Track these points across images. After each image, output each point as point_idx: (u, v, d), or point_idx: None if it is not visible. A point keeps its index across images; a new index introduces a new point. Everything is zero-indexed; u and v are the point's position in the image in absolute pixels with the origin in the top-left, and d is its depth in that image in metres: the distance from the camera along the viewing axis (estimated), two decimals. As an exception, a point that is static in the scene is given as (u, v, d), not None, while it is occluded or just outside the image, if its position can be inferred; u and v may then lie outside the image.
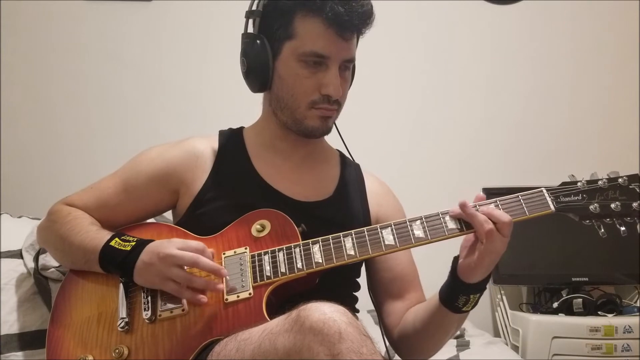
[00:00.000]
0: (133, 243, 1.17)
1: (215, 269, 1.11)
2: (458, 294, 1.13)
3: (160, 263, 1.11)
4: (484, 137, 2.53)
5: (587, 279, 2.21)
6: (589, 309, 2.12)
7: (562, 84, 2.55)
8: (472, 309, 1.16)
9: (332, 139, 1.41)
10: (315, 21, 1.19)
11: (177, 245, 1.12)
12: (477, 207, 1.12)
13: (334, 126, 1.33)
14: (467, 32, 2.54)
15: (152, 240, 1.18)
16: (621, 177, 1.13)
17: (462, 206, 1.10)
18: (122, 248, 1.17)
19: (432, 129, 2.53)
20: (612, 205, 1.11)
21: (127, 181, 1.31)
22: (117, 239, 1.19)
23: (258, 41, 1.23)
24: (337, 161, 1.41)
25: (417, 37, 2.53)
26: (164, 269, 1.11)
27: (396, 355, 1.36)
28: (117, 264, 1.17)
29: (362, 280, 1.38)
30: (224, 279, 1.15)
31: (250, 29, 1.27)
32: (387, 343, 1.34)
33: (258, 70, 1.24)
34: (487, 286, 1.17)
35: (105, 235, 1.21)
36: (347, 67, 1.26)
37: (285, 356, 0.93)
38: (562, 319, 2.11)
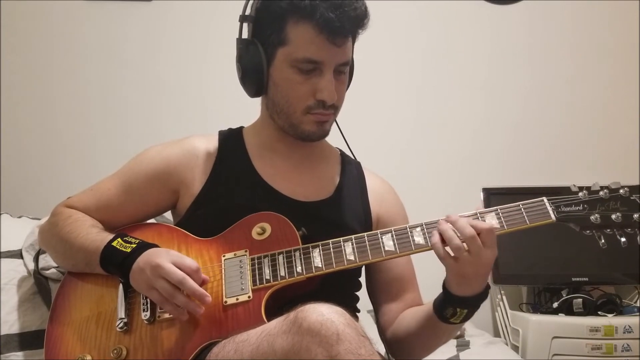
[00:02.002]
0: (134, 245, 1.16)
1: (199, 295, 1.09)
2: (446, 304, 1.13)
3: (150, 271, 1.10)
4: (484, 137, 2.53)
5: (587, 279, 2.21)
6: (589, 309, 2.12)
7: (561, 84, 2.55)
8: (461, 322, 1.15)
9: (333, 137, 1.41)
10: (306, 27, 1.17)
11: (172, 259, 1.10)
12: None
13: (335, 124, 1.33)
14: (467, 31, 2.54)
15: (154, 245, 1.17)
16: (622, 187, 1.13)
17: (439, 224, 1.10)
18: (122, 249, 1.16)
19: (432, 128, 2.53)
20: (613, 216, 1.11)
21: (127, 181, 1.31)
22: (119, 239, 1.18)
23: (252, 47, 1.23)
24: (337, 160, 1.41)
25: (417, 37, 2.53)
26: (152, 278, 1.10)
27: (396, 356, 1.36)
28: (116, 265, 1.17)
29: (363, 279, 1.38)
30: (223, 281, 1.15)
31: (245, 33, 1.26)
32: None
33: (253, 75, 1.24)
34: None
35: (107, 236, 1.21)
36: (342, 70, 1.25)
37: (283, 357, 0.93)
38: (562, 319, 2.11)
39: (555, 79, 2.55)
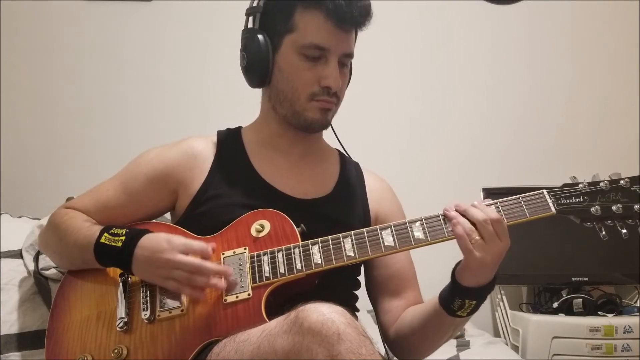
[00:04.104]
0: (123, 237, 1.16)
1: (222, 271, 1.11)
2: (454, 295, 1.13)
3: (163, 266, 1.10)
4: (484, 137, 2.53)
5: (587, 279, 2.21)
6: (589, 309, 2.12)
7: (562, 84, 2.55)
8: (468, 315, 1.15)
9: (330, 140, 1.41)
10: (315, 14, 1.20)
11: (180, 249, 1.11)
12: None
13: (330, 127, 1.33)
14: (467, 31, 2.54)
15: (142, 232, 1.17)
16: (623, 179, 1.12)
17: (446, 211, 1.12)
18: (113, 244, 1.16)
19: (432, 128, 2.53)
20: (614, 208, 1.11)
21: (126, 183, 1.31)
22: (106, 234, 1.18)
23: (259, 35, 1.24)
24: (336, 159, 1.41)
25: (417, 37, 2.53)
26: (166, 271, 1.10)
27: (396, 356, 1.36)
28: (113, 262, 1.17)
29: (363, 278, 1.38)
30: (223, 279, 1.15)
31: (251, 26, 1.28)
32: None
33: (258, 64, 1.25)
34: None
35: (97, 230, 1.20)
36: (345, 63, 1.27)
37: (284, 357, 0.93)
38: (562, 319, 2.11)
39: (555, 79, 2.55)
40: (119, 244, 1.15)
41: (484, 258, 1.08)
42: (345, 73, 1.28)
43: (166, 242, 1.12)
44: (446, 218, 1.12)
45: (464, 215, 1.10)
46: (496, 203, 1.13)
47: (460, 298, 1.12)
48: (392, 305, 1.32)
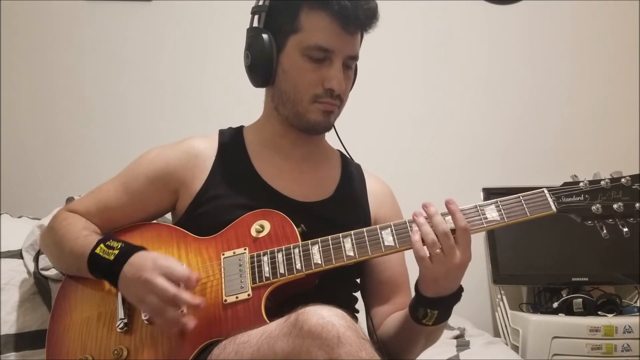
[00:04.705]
0: (116, 251, 1.14)
1: (195, 305, 1.07)
2: (418, 304, 1.13)
3: (140, 286, 1.08)
4: (484, 137, 2.53)
5: (587, 279, 2.21)
6: (589, 309, 2.12)
7: (562, 84, 2.55)
8: (434, 324, 1.14)
9: (331, 140, 1.41)
10: (320, 15, 1.20)
11: (161, 271, 1.07)
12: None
13: (332, 127, 1.33)
14: (467, 31, 2.54)
15: (137, 248, 1.16)
16: (624, 177, 1.11)
17: (415, 216, 1.11)
18: (105, 257, 1.14)
19: (432, 128, 2.53)
20: (615, 206, 1.10)
21: (127, 183, 1.30)
22: (102, 245, 1.16)
23: (263, 35, 1.24)
24: (337, 161, 1.41)
25: (418, 37, 2.53)
26: (142, 292, 1.08)
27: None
28: (103, 275, 1.16)
29: (362, 281, 1.38)
30: (223, 279, 1.15)
31: (256, 24, 1.28)
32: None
33: (262, 64, 1.25)
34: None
35: (93, 240, 1.19)
36: (350, 66, 1.27)
37: (284, 360, 0.93)
38: (562, 319, 2.11)
39: (555, 78, 2.55)
40: (111, 257, 1.14)
41: (437, 270, 1.07)
42: (349, 75, 1.27)
43: (151, 261, 1.10)
44: (415, 221, 1.11)
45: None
46: (496, 202, 1.12)
47: (422, 307, 1.12)
48: (381, 309, 1.32)
